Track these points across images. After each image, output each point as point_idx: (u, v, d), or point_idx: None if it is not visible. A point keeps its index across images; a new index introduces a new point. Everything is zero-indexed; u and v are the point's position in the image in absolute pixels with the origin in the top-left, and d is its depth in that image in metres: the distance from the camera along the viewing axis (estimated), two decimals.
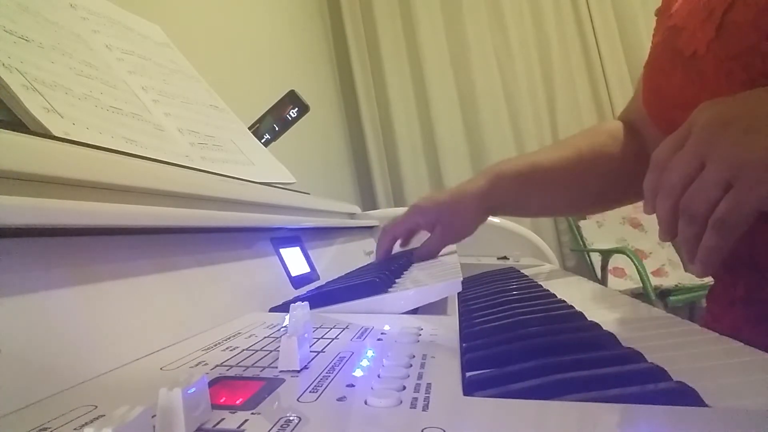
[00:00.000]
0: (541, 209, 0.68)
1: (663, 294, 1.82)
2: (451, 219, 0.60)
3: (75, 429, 0.16)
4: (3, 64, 0.31)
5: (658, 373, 0.21)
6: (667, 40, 0.43)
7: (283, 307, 0.38)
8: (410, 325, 0.31)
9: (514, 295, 0.44)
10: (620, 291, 0.67)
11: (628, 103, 0.63)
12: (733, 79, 0.36)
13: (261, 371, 0.22)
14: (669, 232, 0.34)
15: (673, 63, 0.42)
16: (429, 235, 0.63)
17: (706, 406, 0.18)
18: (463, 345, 0.27)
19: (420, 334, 0.28)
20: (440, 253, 0.63)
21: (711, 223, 0.31)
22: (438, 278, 0.40)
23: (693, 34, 0.39)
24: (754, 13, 0.34)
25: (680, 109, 0.42)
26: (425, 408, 0.17)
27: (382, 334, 0.28)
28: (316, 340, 0.27)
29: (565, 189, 0.60)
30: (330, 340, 0.27)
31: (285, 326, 0.31)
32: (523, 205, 0.63)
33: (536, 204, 0.63)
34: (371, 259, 0.83)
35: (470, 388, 0.20)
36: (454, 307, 0.40)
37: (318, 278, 0.55)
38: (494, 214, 0.63)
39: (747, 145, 0.29)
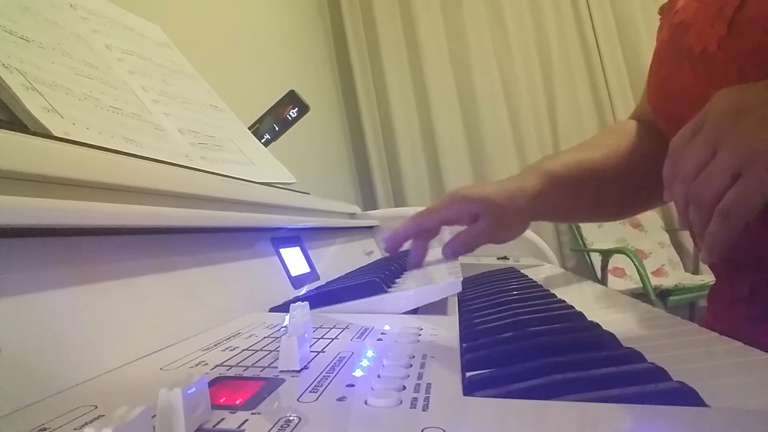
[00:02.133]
0: (588, 214, 0.62)
1: (663, 294, 1.82)
2: (502, 215, 0.50)
3: (75, 429, 0.16)
4: (3, 64, 0.31)
5: (658, 373, 0.21)
6: (673, 37, 0.43)
7: (283, 307, 0.38)
8: (410, 325, 0.31)
9: (514, 295, 0.44)
10: (620, 291, 0.66)
11: (640, 101, 0.60)
12: (745, 76, 0.36)
13: (261, 371, 0.22)
14: (685, 219, 0.34)
15: (680, 61, 0.41)
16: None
17: (706, 406, 0.18)
18: (463, 345, 0.27)
19: (420, 334, 0.28)
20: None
21: (717, 212, 0.31)
22: (438, 278, 0.40)
23: (702, 31, 0.38)
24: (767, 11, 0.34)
25: (687, 107, 0.41)
26: (425, 408, 0.17)
27: (382, 334, 0.28)
28: (316, 340, 0.27)
29: (610, 191, 0.54)
30: (330, 340, 0.27)
31: (285, 326, 0.31)
32: (572, 209, 0.56)
33: (582, 207, 0.57)
34: (371, 259, 0.83)
35: (470, 388, 0.20)
36: (454, 307, 0.40)
37: (318, 278, 0.55)
38: (539, 218, 0.55)
39: (759, 135, 0.29)
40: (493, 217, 0.50)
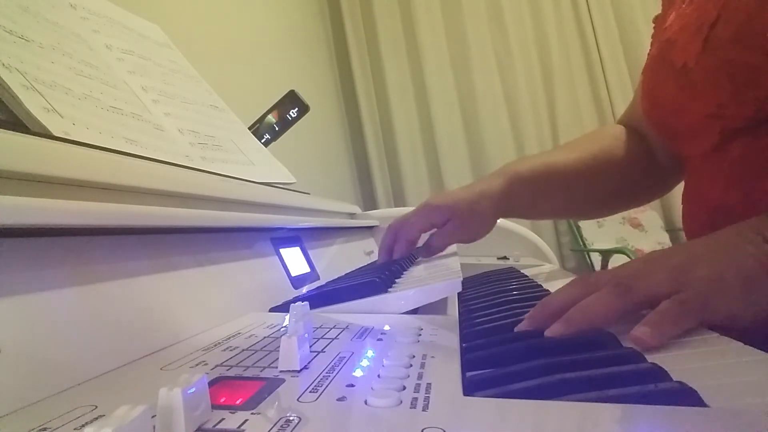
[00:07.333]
0: (554, 212, 0.68)
1: None
2: (467, 219, 0.57)
3: (75, 429, 0.16)
4: (3, 64, 0.31)
5: (658, 373, 0.21)
6: (662, 52, 0.46)
7: (283, 307, 0.38)
8: (410, 325, 0.31)
9: (514, 295, 0.44)
10: None
11: (627, 107, 0.63)
12: (719, 89, 0.38)
13: (261, 371, 0.22)
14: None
15: (666, 73, 0.45)
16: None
17: (706, 406, 0.18)
18: (463, 345, 0.27)
19: (420, 334, 0.28)
20: (440, 253, 0.63)
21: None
22: (438, 278, 0.40)
23: (684, 47, 0.41)
24: (733, 29, 0.36)
25: (673, 116, 0.45)
26: (425, 408, 0.17)
27: (382, 334, 0.28)
28: (316, 340, 0.27)
29: (580, 192, 0.59)
30: (330, 340, 0.27)
31: (285, 326, 0.31)
32: (538, 207, 0.61)
33: (550, 206, 0.62)
34: (371, 259, 0.83)
35: (470, 388, 0.20)
36: (454, 307, 0.40)
37: (318, 278, 0.55)
38: (506, 216, 0.61)
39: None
40: (459, 221, 0.58)
